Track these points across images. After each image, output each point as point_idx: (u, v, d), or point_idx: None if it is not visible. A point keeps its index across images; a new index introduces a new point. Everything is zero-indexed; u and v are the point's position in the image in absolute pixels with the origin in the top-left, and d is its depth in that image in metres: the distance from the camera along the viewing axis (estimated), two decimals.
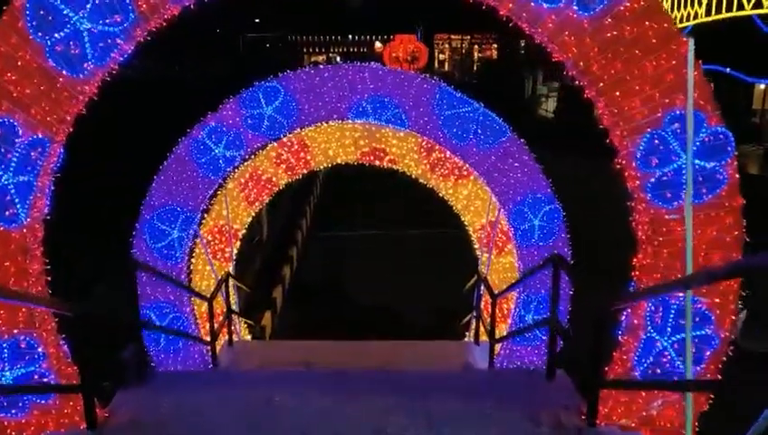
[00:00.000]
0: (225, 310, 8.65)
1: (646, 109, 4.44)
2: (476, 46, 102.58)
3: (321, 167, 9.99)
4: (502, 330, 8.34)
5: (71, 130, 4.78)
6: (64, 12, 4.42)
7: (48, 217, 4.83)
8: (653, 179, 4.61)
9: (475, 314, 9.10)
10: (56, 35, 4.42)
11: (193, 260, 9.72)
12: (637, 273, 4.90)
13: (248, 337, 10.64)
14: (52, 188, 4.87)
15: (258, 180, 9.92)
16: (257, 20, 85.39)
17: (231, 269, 10.00)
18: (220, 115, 7.49)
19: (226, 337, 8.68)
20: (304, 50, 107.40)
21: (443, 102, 7.44)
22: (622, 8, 4.29)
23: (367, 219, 21.00)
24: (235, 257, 10.04)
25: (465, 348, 8.85)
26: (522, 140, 7.63)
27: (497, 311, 7.53)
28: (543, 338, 7.74)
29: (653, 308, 4.80)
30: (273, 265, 15.24)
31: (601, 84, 4.51)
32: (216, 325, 7.92)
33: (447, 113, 7.44)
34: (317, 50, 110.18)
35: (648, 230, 4.67)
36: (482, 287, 8.59)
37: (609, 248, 7.87)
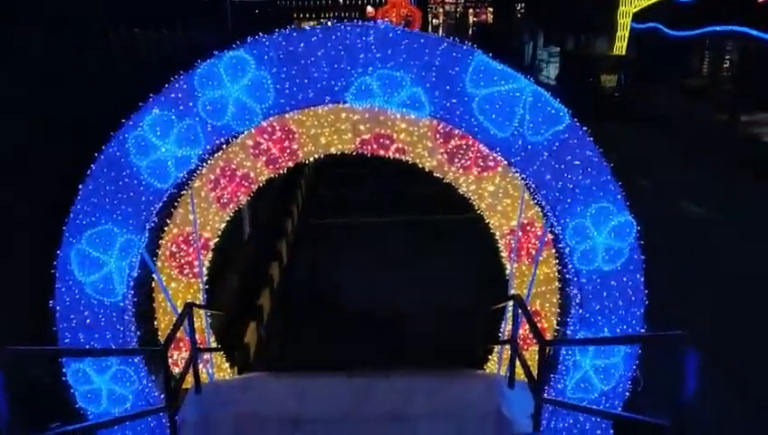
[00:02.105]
0: (189, 350, 6.69)
1: None
2: (471, 10, 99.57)
3: (312, 158, 7.90)
4: (533, 354, 6.56)
5: None
6: None
7: None
8: None
9: (509, 345, 7.13)
10: None
11: (154, 276, 7.76)
12: None
13: (226, 366, 8.71)
14: None
15: (232, 177, 7.86)
16: None
17: (201, 287, 8.03)
18: (167, 98, 5.33)
19: (193, 383, 6.76)
20: (294, 15, 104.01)
21: (478, 77, 5.31)
22: None
23: (370, 202, 18.67)
24: (206, 273, 8.06)
25: (495, 390, 6.88)
26: (584, 129, 5.59)
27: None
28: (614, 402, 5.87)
29: None
30: (258, 266, 13.17)
31: None
32: (175, 374, 6.00)
33: (485, 92, 5.33)
34: (308, 15, 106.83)
35: None
36: (519, 314, 6.64)
37: None
